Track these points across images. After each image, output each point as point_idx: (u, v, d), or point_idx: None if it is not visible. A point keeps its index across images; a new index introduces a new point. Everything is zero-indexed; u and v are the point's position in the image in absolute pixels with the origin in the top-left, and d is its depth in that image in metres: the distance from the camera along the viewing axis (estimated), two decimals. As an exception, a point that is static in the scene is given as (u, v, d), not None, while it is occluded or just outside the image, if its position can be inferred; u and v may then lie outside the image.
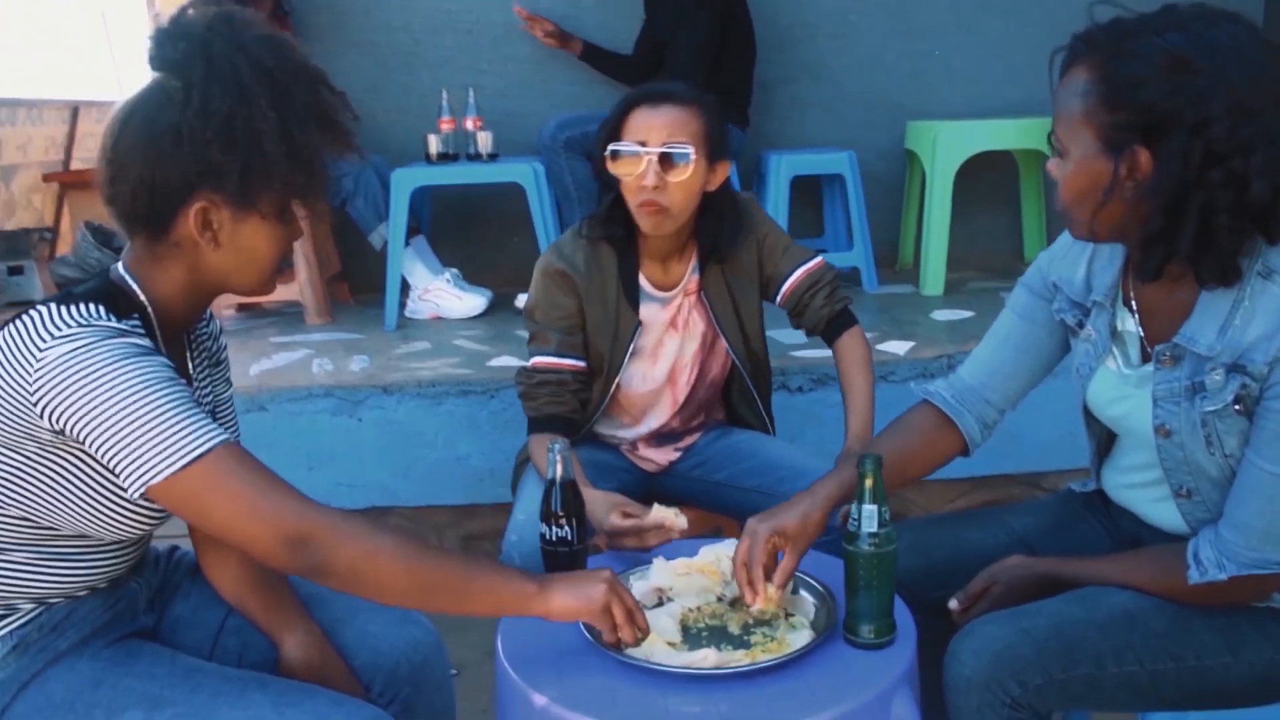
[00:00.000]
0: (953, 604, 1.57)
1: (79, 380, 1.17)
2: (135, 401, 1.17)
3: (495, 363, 3.21)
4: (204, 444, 1.19)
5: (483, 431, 2.99)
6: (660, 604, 1.56)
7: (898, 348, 3.16)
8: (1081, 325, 1.56)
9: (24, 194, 5.28)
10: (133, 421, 1.17)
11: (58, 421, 1.18)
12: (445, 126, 3.86)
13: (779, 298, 2.12)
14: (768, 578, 1.49)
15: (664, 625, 1.48)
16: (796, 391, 3.02)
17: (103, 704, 1.31)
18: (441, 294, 3.92)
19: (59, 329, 1.19)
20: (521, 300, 2.72)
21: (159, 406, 1.18)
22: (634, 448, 2.20)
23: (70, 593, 1.38)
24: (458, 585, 1.30)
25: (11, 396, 1.20)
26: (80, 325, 1.20)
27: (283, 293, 4.02)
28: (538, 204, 3.70)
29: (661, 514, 1.69)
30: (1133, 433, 1.53)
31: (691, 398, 2.16)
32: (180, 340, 1.44)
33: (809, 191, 4.42)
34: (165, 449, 1.17)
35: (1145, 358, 1.47)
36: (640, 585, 1.59)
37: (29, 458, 1.25)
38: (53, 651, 1.35)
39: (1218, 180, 1.26)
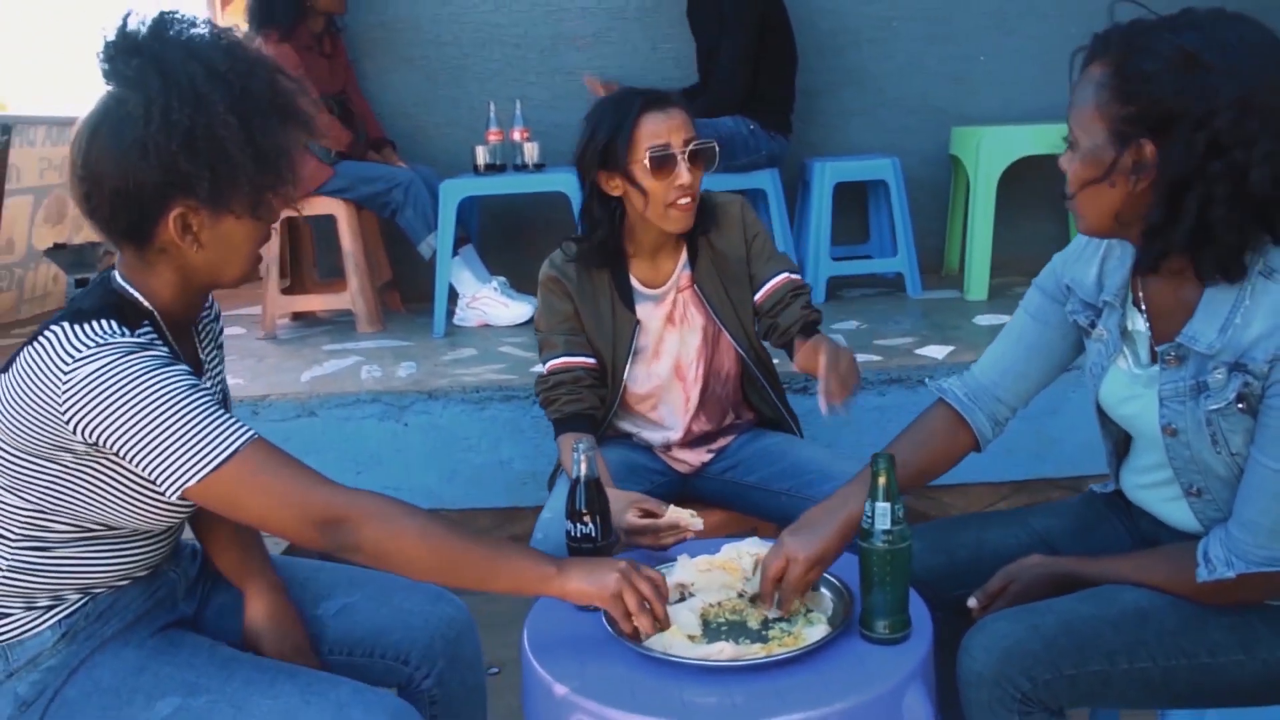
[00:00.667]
0: (971, 602, 1.59)
1: (107, 397, 1.24)
2: (162, 411, 1.25)
3: (539, 368, 3.27)
4: (232, 444, 1.27)
5: (525, 436, 3.06)
6: (682, 599, 1.60)
7: (937, 351, 3.17)
8: (1094, 325, 1.57)
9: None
10: (162, 430, 1.25)
11: (90, 436, 1.26)
12: (493, 138, 3.95)
13: (760, 294, 2.16)
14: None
15: (685, 619, 1.52)
16: (835, 396, 3.03)
17: (144, 689, 1.39)
18: (489, 302, 4.00)
19: (80, 349, 1.26)
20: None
21: (184, 413, 1.26)
22: (667, 449, 2.25)
23: (112, 582, 1.46)
24: (481, 564, 1.37)
25: (42, 415, 1.28)
26: (99, 344, 1.26)
27: (335, 302, 4.14)
28: (582, 213, 3.76)
29: (677, 514, 1.75)
30: (1143, 432, 1.54)
31: (707, 394, 2.20)
32: (189, 333, 1.51)
33: (854, 198, 4.43)
34: (196, 453, 1.26)
35: (1154, 357, 1.49)
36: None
37: (66, 466, 1.33)
38: (99, 638, 1.44)
39: (1218, 172, 1.27)
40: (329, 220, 4.04)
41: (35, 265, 5.20)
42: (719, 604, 1.59)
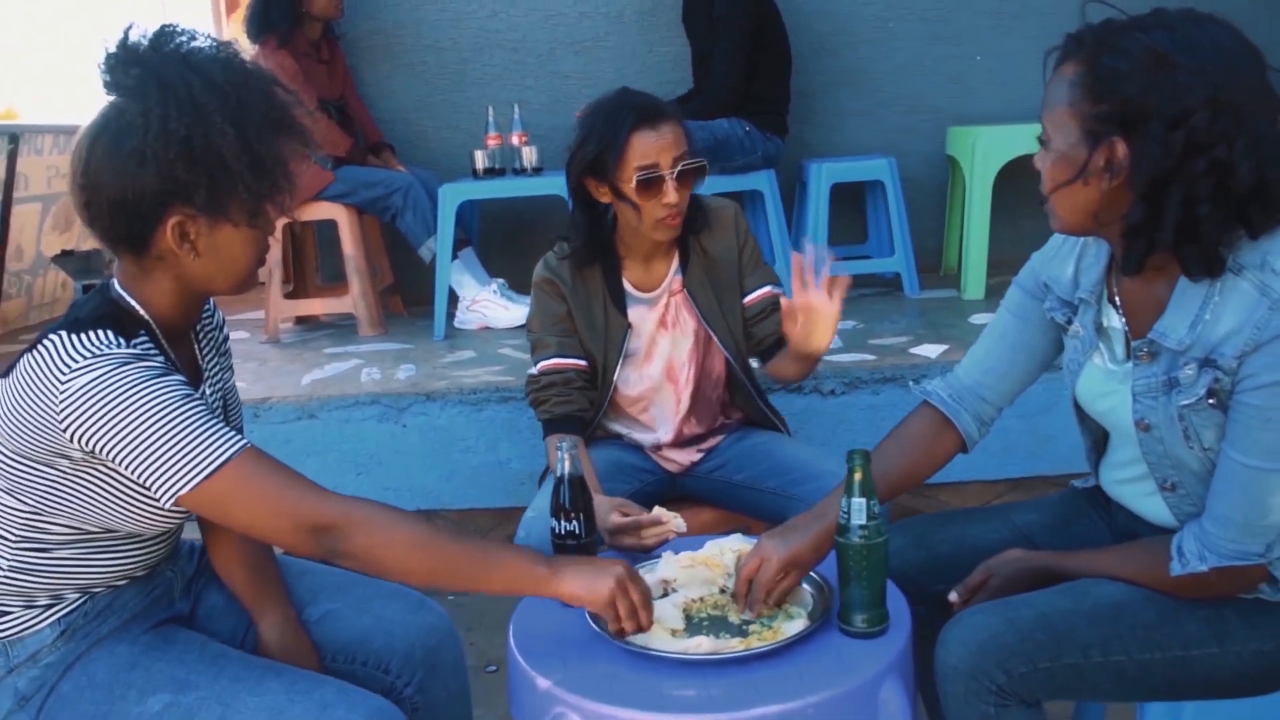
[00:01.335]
0: (952, 596, 1.61)
1: (103, 406, 1.27)
2: (156, 420, 1.28)
3: (531, 369, 3.30)
4: (225, 453, 1.30)
5: (523, 436, 3.09)
6: (665, 594, 1.63)
7: (931, 350, 3.19)
8: (1070, 322, 1.59)
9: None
10: (157, 439, 1.28)
11: (86, 444, 1.30)
12: (491, 142, 3.98)
13: (746, 301, 2.21)
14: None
15: (668, 614, 1.55)
16: (829, 395, 3.06)
17: (136, 685, 1.42)
18: (489, 304, 4.03)
19: (77, 359, 1.29)
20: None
21: (178, 422, 1.29)
22: (657, 449, 2.27)
23: (111, 582, 1.49)
24: (474, 566, 1.40)
25: (39, 421, 1.31)
26: (95, 355, 1.29)
27: (337, 305, 4.18)
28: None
29: (659, 512, 1.77)
30: (1117, 427, 1.56)
31: (699, 396, 2.23)
32: (188, 339, 1.54)
33: (851, 198, 4.45)
34: (190, 461, 1.29)
35: (1129, 353, 1.51)
36: (648, 577, 1.66)
37: (64, 471, 1.36)
38: (96, 635, 1.47)
39: (1200, 170, 1.29)
40: (331, 225, 4.07)
41: (44, 272, 5.25)
42: (701, 599, 1.61)
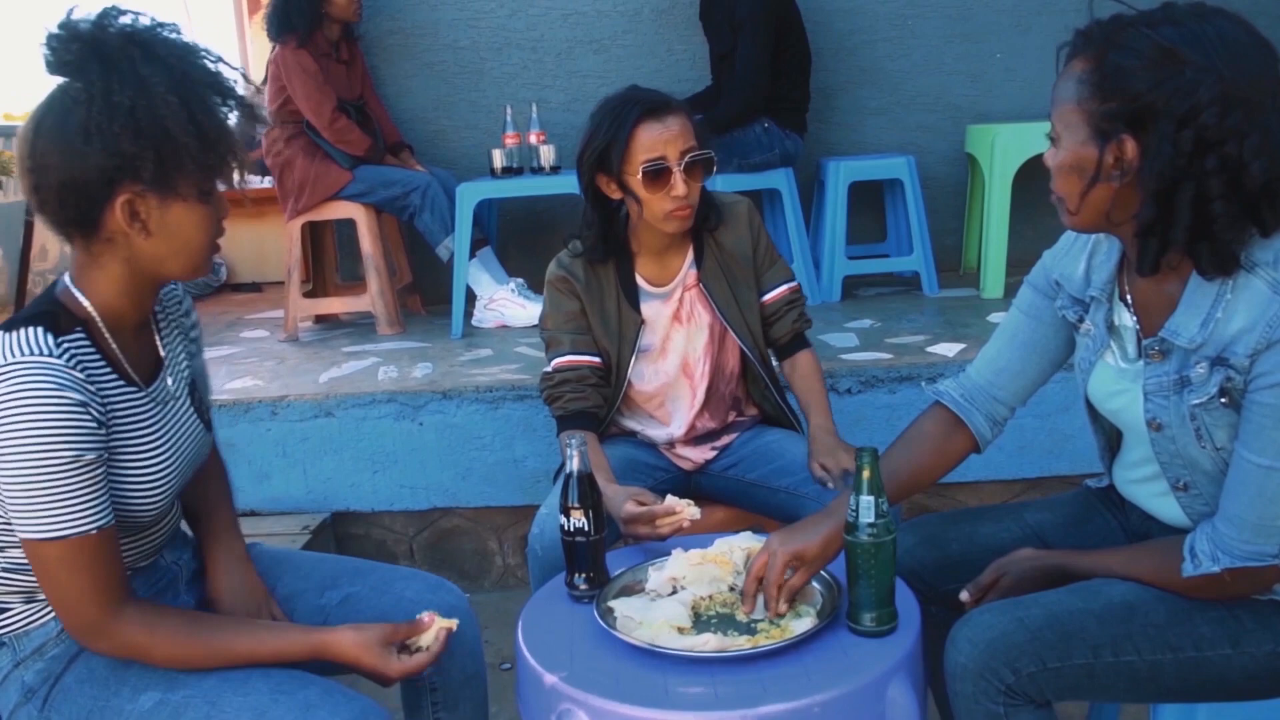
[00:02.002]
0: (964, 595, 1.60)
1: (3, 431, 1.28)
2: (35, 473, 1.29)
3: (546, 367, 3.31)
4: (60, 530, 1.32)
5: (539, 434, 3.09)
6: (674, 592, 1.63)
7: (948, 349, 3.17)
8: (1082, 321, 1.58)
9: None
10: (25, 487, 1.30)
11: None
12: (509, 141, 3.99)
13: (765, 300, 2.22)
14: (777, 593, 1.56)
15: (675, 612, 1.55)
16: (845, 394, 3.05)
17: (130, 681, 1.43)
18: (506, 303, 4.04)
19: (2, 363, 1.29)
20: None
21: (50, 484, 1.30)
22: (671, 446, 2.27)
23: None
24: (227, 658, 1.43)
25: None
26: (15, 364, 1.29)
27: (355, 304, 4.19)
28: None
29: (673, 502, 1.77)
30: (1130, 427, 1.55)
31: (713, 391, 2.22)
32: (147, 329, 1.53)
33: (870, 197, 4.43)
34: (34, 518, 1.31)
35: (1141, 352, 1.49)
36: (657, 575, 1.66)
37: None
38: None
39: (1212, 167, 1.27)
40: (350, 224, 4.10)
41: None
42: (709, 597, 1.61)
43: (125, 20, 1.34)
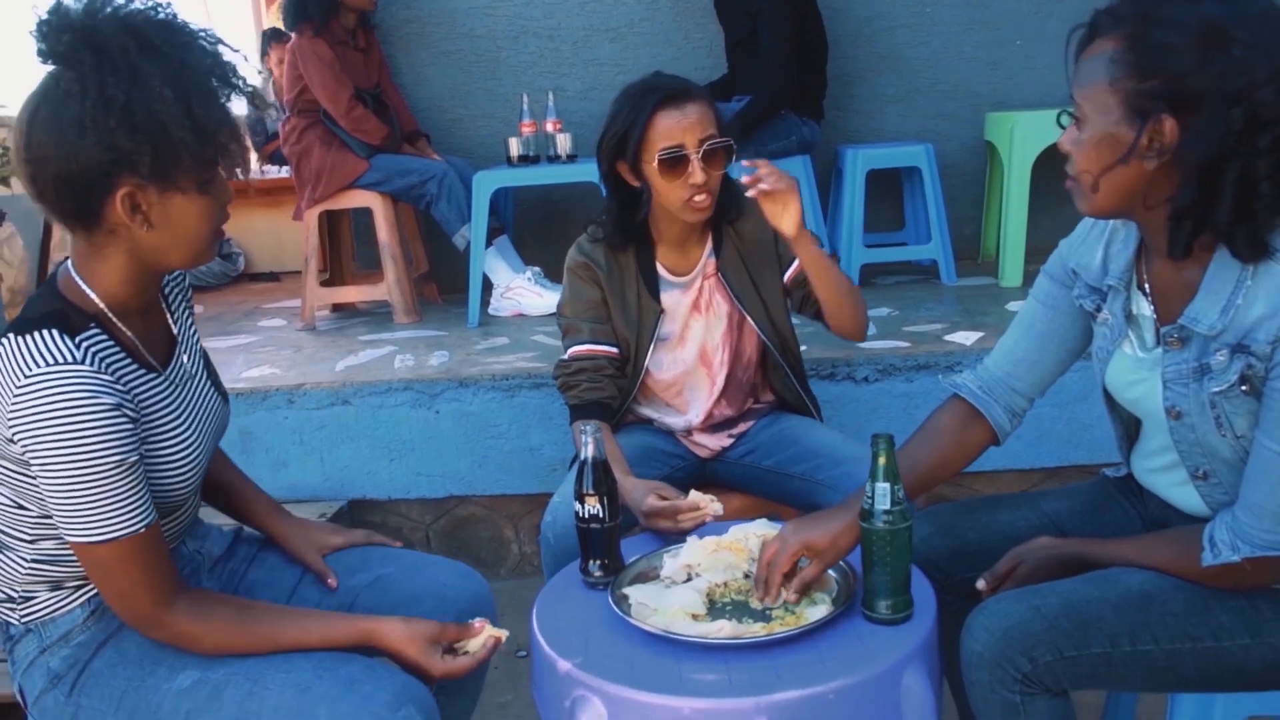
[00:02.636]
0: (980, 583, 1.59)
1: (42, 445, 1.28)
2: (79, 478, 1.30)
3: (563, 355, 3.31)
4: (112, 532, 1.33)
5: (555, 422, 3.09)
6: (689, 579, 1.62)
7: (965, 338, 3.15)
8: (1099, 310, 1.56)
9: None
10: (72, 492, 1.31)
11: (24, 456, 1.31)
12: (526, 130, 3.98)
13: (789, 273, 2.17)
14: (788, 581, 1.55)
15: (690, 599, 1.55)
16: (863, 382, 3.04)
17: (167, 661, 1.44)
18: (523, 292, 4.04)
19: (22, 374, 1.28)
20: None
21: (95, 487, 1.31)
22: (688, 434, 2.27)
23: None
24: (275, 645, 1.45)
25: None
26: (41, 372, 1.28)
27: (372, 293, 4.20)
28: (613, 202, 3.78)
29: (696, 497, 1.77)
30: (1148, 415, 1.53)
31: (731, 379, 2.22)
32: (157, 310, 1.52)
33: (888, 185, 4.41)
34: (84, 523, 1.32)
35: (1159, 340, 1.48)
36: (672, 562, 1.66)
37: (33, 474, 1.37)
38: None
39: (1264, 146, 1.25)
40: (367, 213, 4.10)
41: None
42: (724, 584, 1.61)
43: (117, 4, 1.31)
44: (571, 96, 4.44)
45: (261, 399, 3.18)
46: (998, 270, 3.99)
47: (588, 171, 3.80)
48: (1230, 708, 1.49)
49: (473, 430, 3.14)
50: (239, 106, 1.46)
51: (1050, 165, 3.80)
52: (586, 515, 1.64)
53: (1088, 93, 1.36)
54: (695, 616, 1.51)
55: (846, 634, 1.47)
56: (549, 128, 3.98)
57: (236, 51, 1.41)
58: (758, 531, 1.67)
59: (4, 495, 1.40)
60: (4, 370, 1.30)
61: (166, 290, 1.57)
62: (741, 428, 2.28)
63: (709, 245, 2.16)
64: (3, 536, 1.44)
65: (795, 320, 2.26)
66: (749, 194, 1.91)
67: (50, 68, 1.31)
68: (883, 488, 1.44)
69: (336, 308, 4.47)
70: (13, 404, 1.28)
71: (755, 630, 1.47)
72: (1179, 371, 1.42)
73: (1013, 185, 3.83)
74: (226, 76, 1.37)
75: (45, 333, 1.31)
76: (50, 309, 1.36)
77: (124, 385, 1.36)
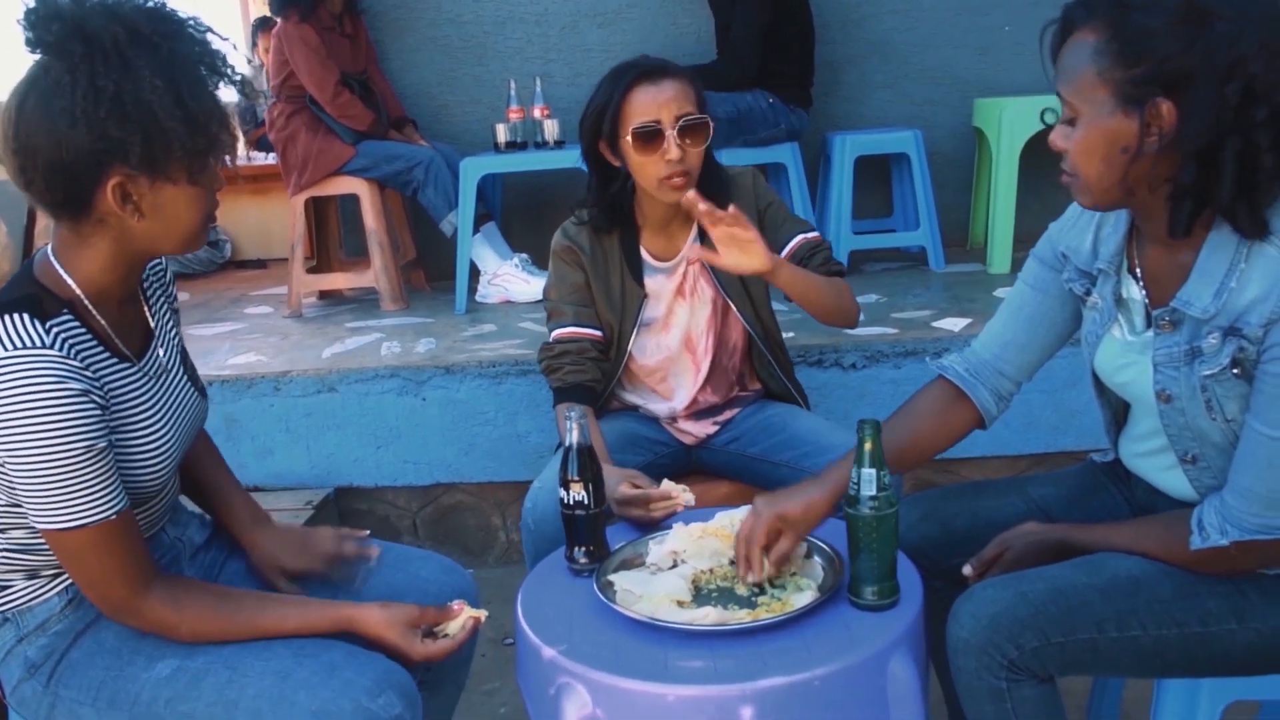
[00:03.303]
0: (966, 569, 1.58)
1: (10, 430, 1.27)
2: (49, 464, 1.28)
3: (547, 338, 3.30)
4: (83, 519, 1.32)
5: (542, 409, 3.08)
6: (675, 566, 1.62)
7: (953, 324, 3.15)
8: (1089, 293, 1.56)
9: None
10: (43, 478, 1.29)
11: None
12: (513, 115, 3.97)
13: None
14: (766, 555, 1.55)
15: (675, 585, 1.54)
16: (850, 369, 3.03)
17: (145, 651, 1.43)
18: (510, 278, 4.02)
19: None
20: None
21: (64, 473, 1.29)
22: (673, 420, 2.26)
23: None
24: (252, 632, 1.44)
25: None
26: (11, 358, 1.26)
27: (359, 280, 4.18)
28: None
29: (669, 486, 1.76)
30: (1137, 399, 1.53)
31: (716, 365, 2.21)
32: (135, 301, 1.51)
33: (876, 171, 4.40)
34: (54, 510, 1.31)
35: (1149, 323, 1.47)
36: (657, 549, 1.65)
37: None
38: None
39: (1262, 118, 1.24)
40: (354, 199, 4.08)
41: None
42: (710, 571, 1.60)
43: None
44: (559, 82, 4.41)
45: (247, 386, 3.17)
46: (986, 257, 3.99)
47: (575, 157, 3.72)
48: (1215, 693, 1.49)
49: (460, 417, 3.12)
50: (229, 95, 1.46)
51: (1038, 152, 3.81)
52: (571, 502, 1.63)
53: (1076, 87, 1.35)
54: (680, 603, 1.51)
55: (832, 620, 1.46)
56: (536, 113, 3.96)
57: (225, 39, 1.39)
58: (743, 518, 1.66)
59: None
60: None
61: (146, 284, 1.56)
62: (726, 415, 2.27)
63: (694, 230, 2.15)
64: None
65: (784, 307, 2.25)
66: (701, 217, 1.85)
67: (37, 56, 1.29)
68: (869, 473, 1.43)
69: (323, 295, 4.44)
70: None
71: (741, 617, 1.46)
72: (1170, 355, 1.42)
73: (1001, 172, 3.83)
74: (216, 65, 1.36)
75: (15, 317, 1.30)
76: (23, 293, 1.34)
77: (94, 373, 1.34)
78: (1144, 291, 1.48)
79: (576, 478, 1.61)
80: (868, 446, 1.43)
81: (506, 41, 4.54)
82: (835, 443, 2.00)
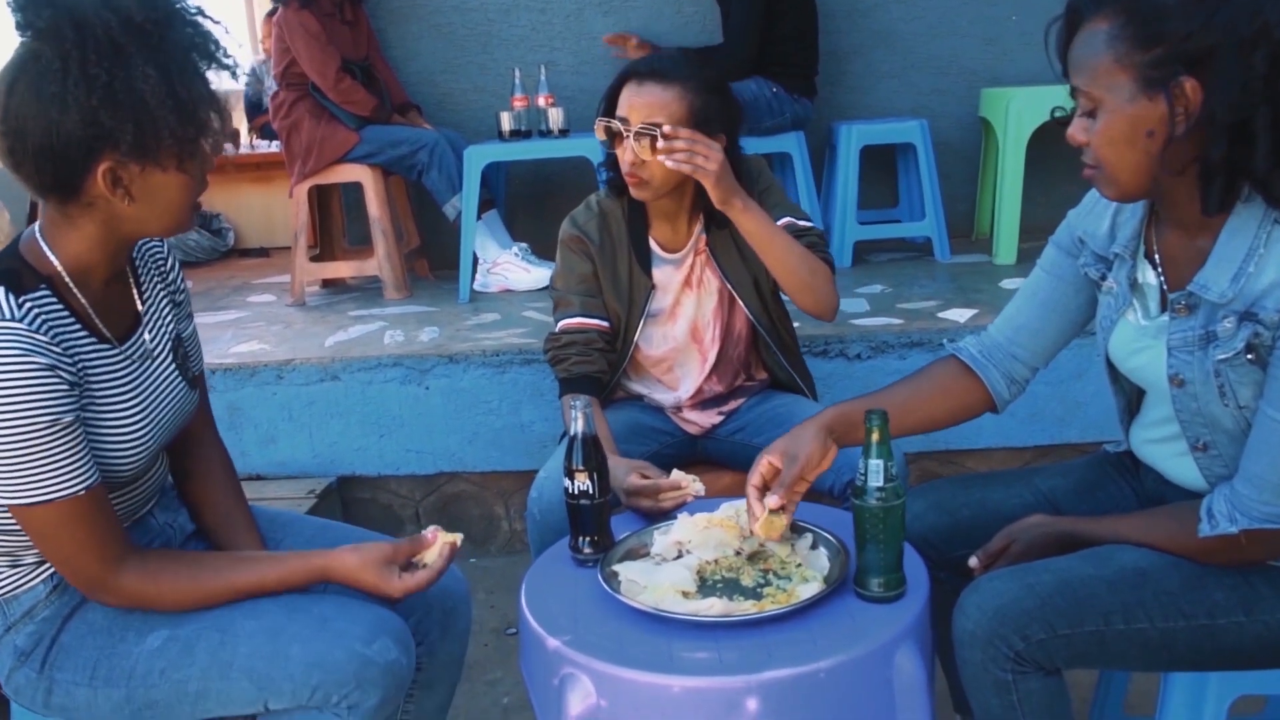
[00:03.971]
0: (973, 561, 1.58)
1: None
2: (13, 438, 1.28)
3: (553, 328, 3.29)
4: (50, 493, 1.31)
5: (546, 399, 3.07)
6: (680, 556, 1.61)
7: (959, 315, 3.13)
8: (1104, 278, 1.55)
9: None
10: (4, 453, 1.29)
11: None
12: (518, 104, 3.95)
13: None
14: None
15: (680, 576, 1.53)
16: (855, 359, 3.02)
17: (135, 626, 1.43)
18: (510, 267, 4.01)
19: None
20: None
21: (30, 447, 1.29)
22: (678, 410, 2.25)
23: None
24: (232, 594, 1.44)
25: None
26: None
27: (363, 268, 4.17)
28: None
29: (678, 476, 1.75)
30: (1151, 384, 1.52)
31: (723, 355, 2.20)
32: (123, 281, 1.50)
33: (882, 161, 4.38)
34: (20, 484, 1.30)
35: (1164, 307, 1.46)
36: (662, 539, 1.64)
37: None
38: None
39: None
40: (358, 187, 4.06)
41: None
42: (715, 561, 1.59)
43: None
44: (564, 71, 4.39)
45: (250, 374, 3.16)
46: (992, 248, 3.97)
47: (579, 146, 3.79)
48: (1224, 687, 1.48)
49: (463, 406, 3.12)
50: (232, 83, 1.44)
51: (1045, 142, 3.80)
52: (576, 491, 1.62)
53: (1093, 77, 1.33)
54: (686, 594, 1.50)
55: (838, 612, 1.45)
56: (541, 102, 3.94)
57: (218, 24, 1.39)
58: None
59: None
60: None
61: (140, 268, 1.55)
62: (732, 405, 2.26)
63: (701, 221, 2.14)
64: None
65: (786, 297, 2.23)
66: (665, 163, 1.89)
67: (25, 39, 1.28)
68: (876, 464, 1.42)
69: (326, 283, 4.43)
70: None
71: (746, 608, 1.45)
72: (1184, 339, 1.41)
73: (1007, 162, 3.81)
74: (209, 51, 1.35)
75: None
76: (2, 268, 1.35)
77: (65, 349, 1.34)
78: (1160, 276, 1.47)
79: (582, 467, 1.60)
80: (875, 437, 1.42)
81: (511, 29, 4.51)
82: (841, 433, 1.99)
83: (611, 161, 2.09)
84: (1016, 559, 1.54)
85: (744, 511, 1.64)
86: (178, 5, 1.34)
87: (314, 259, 4.30)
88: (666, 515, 1.76)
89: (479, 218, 3.93)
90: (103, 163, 1.29)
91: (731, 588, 1.54)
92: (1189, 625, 1.40)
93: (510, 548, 3.29)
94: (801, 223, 2.10)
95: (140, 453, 1.46)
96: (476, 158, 3.81)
